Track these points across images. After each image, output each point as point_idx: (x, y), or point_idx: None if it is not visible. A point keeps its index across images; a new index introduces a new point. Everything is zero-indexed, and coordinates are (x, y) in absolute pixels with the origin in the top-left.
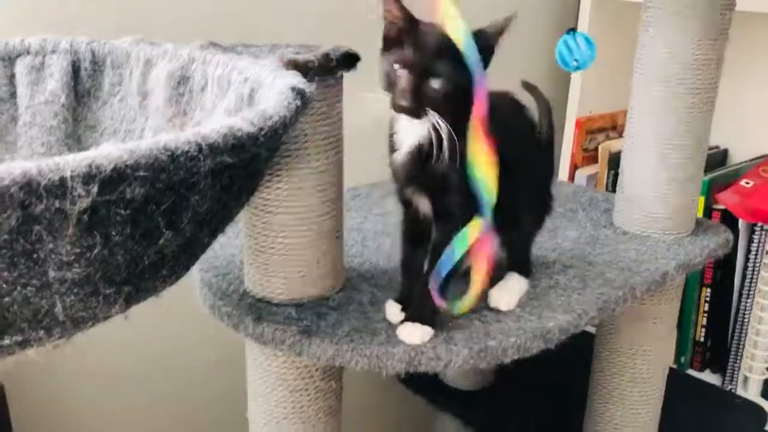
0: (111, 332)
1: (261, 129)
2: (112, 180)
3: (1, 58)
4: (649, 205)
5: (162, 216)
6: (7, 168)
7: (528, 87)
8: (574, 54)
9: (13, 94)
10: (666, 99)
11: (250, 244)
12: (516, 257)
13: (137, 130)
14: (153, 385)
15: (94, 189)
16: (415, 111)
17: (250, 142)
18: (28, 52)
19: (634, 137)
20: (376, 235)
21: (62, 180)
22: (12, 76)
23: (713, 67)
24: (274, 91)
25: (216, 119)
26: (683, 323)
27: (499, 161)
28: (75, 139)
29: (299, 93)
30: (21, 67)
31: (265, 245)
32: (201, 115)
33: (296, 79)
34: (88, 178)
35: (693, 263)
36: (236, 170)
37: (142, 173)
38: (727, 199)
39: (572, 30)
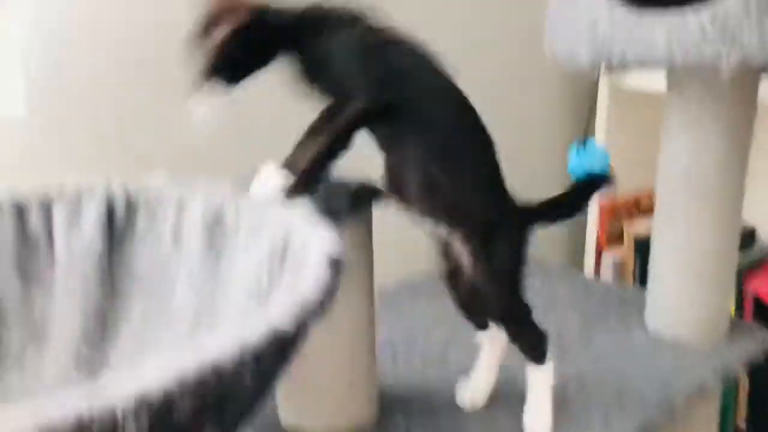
0: None
1: (303, 322)
2: (160, 410)
3: (39, 205)
4: (681, 309)
5: (205, 420)
6: (60, 405)
7: None
8: (585, 164)
9: (50, 239)
10: (691, 199)
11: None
12: (515, 337)
13: (171, 272)
14: None
15: (145, 421)
16: None
17: (290, 340)
18: (65, 198)
19: (663, 241)
20: (408, 348)
21: (113, 418)
22: (49, 222)
23: (738, 164)
24: (309, 262)
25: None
26: (724, 408)
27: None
28: (110, 284)
29: (335, 265)
30: (58, 213)
31: (297, 377)
32: (234, 254)
33: (330, 243)
34: (138, 412)
35: (730, 371)
36: (277, 365)
37: (189, 401)
38: (760, 287)
39: (584, 141)
